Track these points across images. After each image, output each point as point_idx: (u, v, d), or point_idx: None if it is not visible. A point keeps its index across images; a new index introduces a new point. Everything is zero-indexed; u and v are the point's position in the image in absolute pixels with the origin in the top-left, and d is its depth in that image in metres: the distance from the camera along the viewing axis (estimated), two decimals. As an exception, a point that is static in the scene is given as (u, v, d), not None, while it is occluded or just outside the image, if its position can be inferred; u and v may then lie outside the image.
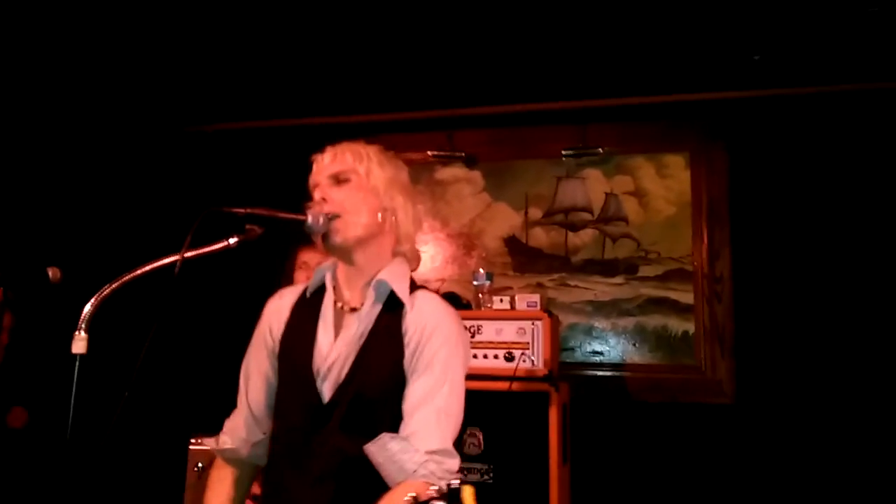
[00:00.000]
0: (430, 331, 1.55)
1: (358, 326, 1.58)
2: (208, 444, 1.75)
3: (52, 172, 3.64)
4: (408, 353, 1.54)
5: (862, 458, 3.26)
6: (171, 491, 3.25)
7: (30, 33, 3.32)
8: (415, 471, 1.41)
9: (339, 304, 1.64)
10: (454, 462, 1.47)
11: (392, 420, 1.50)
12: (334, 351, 1.57)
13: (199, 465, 3.10)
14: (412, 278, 1.67)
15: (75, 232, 3.64)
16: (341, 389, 1.53)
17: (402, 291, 1.59)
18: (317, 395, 1.55)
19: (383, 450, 1.44)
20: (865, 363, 3.41)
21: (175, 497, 3.18)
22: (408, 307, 1.58)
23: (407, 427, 1.48)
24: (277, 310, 1.72)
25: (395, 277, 1.61)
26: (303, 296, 1.71)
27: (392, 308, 1.59)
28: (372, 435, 1.46)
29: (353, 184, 1.61)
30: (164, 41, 3.56)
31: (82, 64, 3.62)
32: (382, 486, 1.44)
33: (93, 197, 3.85)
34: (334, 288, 1.66)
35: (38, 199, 3.53)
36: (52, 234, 3.47)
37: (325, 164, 1.63)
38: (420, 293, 1.63)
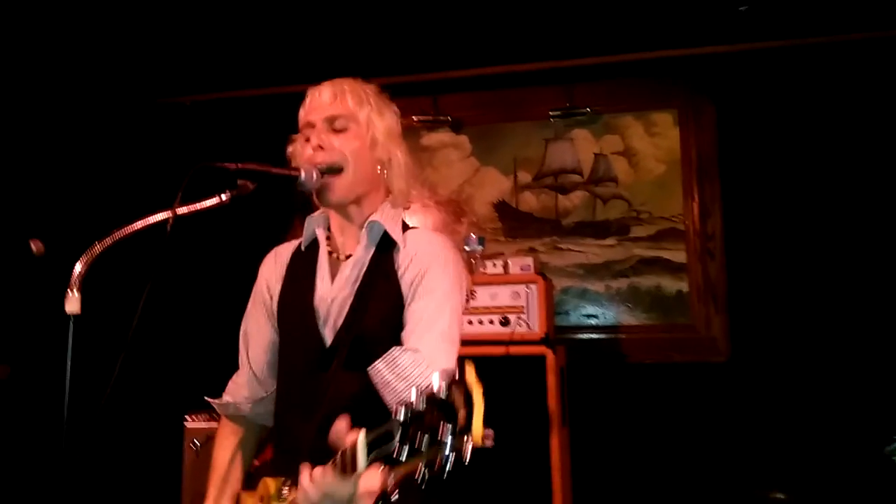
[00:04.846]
0: (428, 261, 1.52)
1: (352, 269, 1.55)
2: (212, 402, 1.74)
3: (31, 148, 3.53)
4: (404, 286, 1.52)
5: (856, 413, 3.28)
6: (168, 469, 3.21)
7: (2, 7, 3.19)
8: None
9: (335, 254, 1.61)
10: None
11: None
12: (330, 294, 1.54)
13: (196, 443, 3.05)
14: (404, 221, 1.64)
15: (56, 207, 3.55)
16: (341, 332, 1.50)
17: (395, 231, 1.56)
18: (320, 339, 1.53)
19: (393, 365, 1.40)
20: (859, 318, 3.41)
21: (173, 476, 3.14)
22: (400, 244, 1.55)
23: (410, 346, 1.45)
24: (273, 267, 1.71)
25: (387, 218, 1.58)
26: (298, 250, 1.68)
27: (385, 249, 1.56)
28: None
29: (351, 133, 1.54)
30: (142, 15, 3.45)
31: (60, 40, 3.51)
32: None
33: (72, 172, 3.75)
34: (328, 238, 1.64)
35: (16, 174, 3.43)
36: (33, 208, 3.39)
37: (323, 102, 1.54)
38: (412, 230, 1.61)
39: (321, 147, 1.52)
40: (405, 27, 3.66)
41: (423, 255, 1.53)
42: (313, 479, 1.13)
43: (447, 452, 0.92)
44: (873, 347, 3.37)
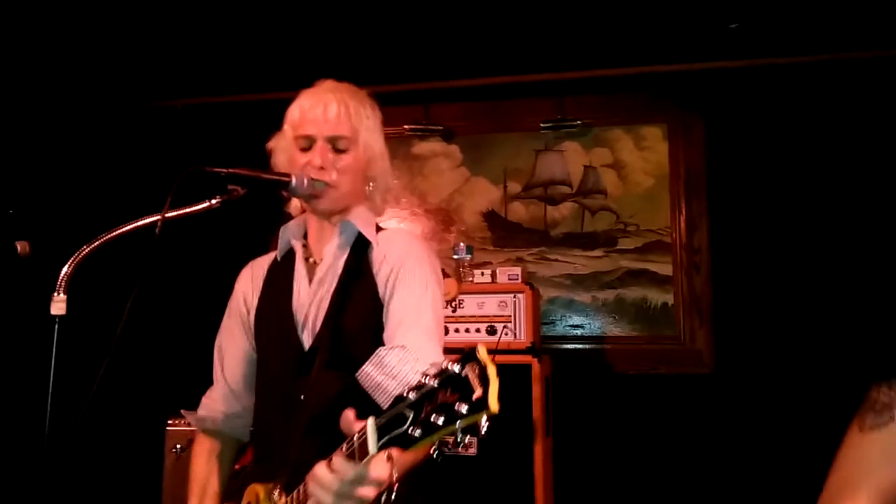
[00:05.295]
0: (402, 257, 1.54)
1: (328, 270, 1.57)
2: (188, 416, 1.72)
3: (21, 149, 3.52)
4: (380, 283, 1.53)
5: (840, 424, 3.30)
6: (149, 473, 3.19)
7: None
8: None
9: (311, 259, 1.63)
10: None
11: None
12: (308, 298, 1.56)
13: (178, 446, 3.04)
14: (377, 224, 1.66)
15: (46, 208, 3.54)
16: (320, 333, 1.51)
17: (369, 231, 1.59)
18: (299, 344, 1.53)
19: (381, 366, 1.38)
20: (843, 331, 3.44)
21: (153, 479, 3.12)
22: (374, 243, 1.57)
23: (395, 344, 1.44)
24: (250, 280, 1.72)
25: (361, 220, 1.60)
26: (274, 262, 1.70)
27: (360, 249, 1.58)
28: (357, 371, 1.43)
29: (350, 156, 1.58)
30: (135, 19, 3.45)
31: (52, 43, 3.50)
32: None
33: (62, 174, 3.74)
34: (304, 246, 1.66)
35: (5, 174, 3.42)
36: (20, 210, 3.37)
37: (328, 118, 1.55)
38: (384, 231, 1.64)
39: (323, 168, 1.55)
40: (398, 36, 3.68)
41: (397, 252, 1.55)
42: (322, 470, 1.10)
43: (464, 426, 0.91)
44: (857, 359, 3.39)
